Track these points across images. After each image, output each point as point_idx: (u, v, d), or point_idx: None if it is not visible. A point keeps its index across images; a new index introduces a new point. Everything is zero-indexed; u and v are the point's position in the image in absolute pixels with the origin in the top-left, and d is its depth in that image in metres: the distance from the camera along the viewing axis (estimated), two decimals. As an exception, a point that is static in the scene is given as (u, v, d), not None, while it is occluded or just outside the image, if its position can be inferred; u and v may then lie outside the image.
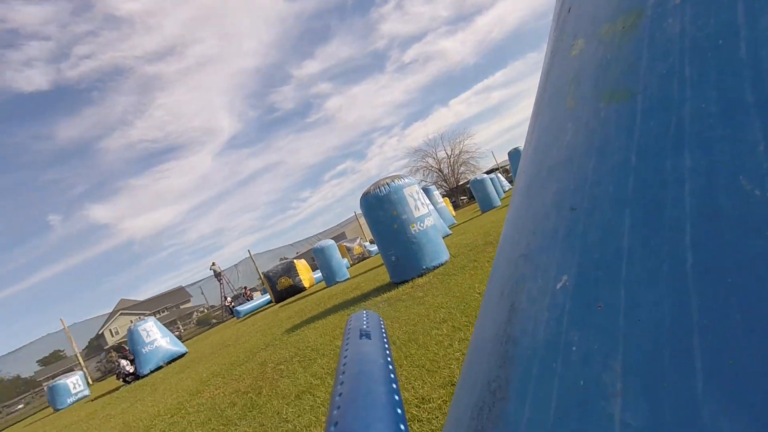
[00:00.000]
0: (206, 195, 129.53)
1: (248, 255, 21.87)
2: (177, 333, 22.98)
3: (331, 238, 11.43)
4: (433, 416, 1.60)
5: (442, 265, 5.18)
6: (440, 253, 5.28)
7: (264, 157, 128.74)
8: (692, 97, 0.25)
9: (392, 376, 0.60)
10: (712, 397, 0.21)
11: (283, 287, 13.88)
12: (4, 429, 14.98)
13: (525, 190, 0.45)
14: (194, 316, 31.92)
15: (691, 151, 0.24)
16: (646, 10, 0.32)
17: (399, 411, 0.51)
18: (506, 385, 0.36)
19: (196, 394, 4.16)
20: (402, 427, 0.48)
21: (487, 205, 13.98)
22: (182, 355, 10.25)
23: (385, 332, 0.80)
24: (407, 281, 5.08)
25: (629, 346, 0.25)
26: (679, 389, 0.22)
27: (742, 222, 0.21)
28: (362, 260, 17.95)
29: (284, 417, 2.25)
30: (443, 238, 7.35)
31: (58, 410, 12.21)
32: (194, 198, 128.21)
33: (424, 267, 5.11)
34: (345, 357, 0.66)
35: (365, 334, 0.74)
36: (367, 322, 0.81)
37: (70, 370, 20.73)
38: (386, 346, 0.74)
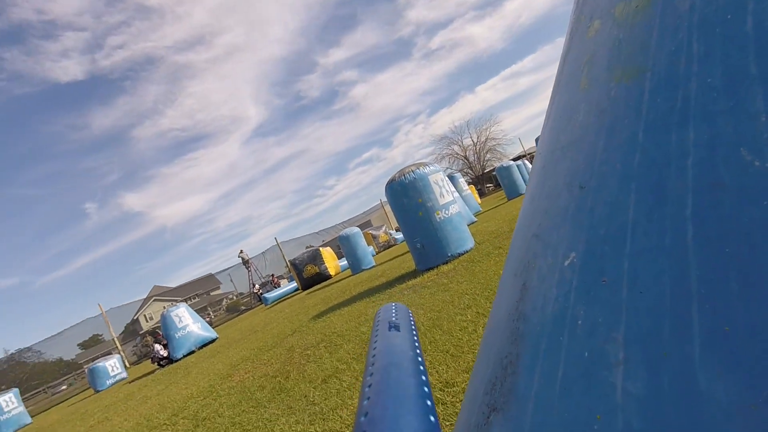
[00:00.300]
0: (234, 183, 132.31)
1: (275, 243, 22.30)
2: (208, 319, 23.76)
3: (357, 226, 11.52)
4: (457, 399, 1.62)
5: (467, 252, 5.17)
6: (465, 240, 5.26)
7: (290, 145, 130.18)
8: (698, 73, 0.25)
9: (422, 368, 0.60)
10: (709, 364, 0.21)
11: (309, 275, 14.12)
12: (50, 408, 15.93)
13: (540, 171, 0.46)
14: (224, 302, 32.93)
15: (695, 125, 0.24)
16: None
17: (429, 403, 0.51)
18: (517, 360, 0.38)
19: (226, 377, 4.32)
20: (432, 418, 0.49)
21: (513, 193, 13.77)
22: (213, 340, 10.60)
23: (414, 324, 0.80)
24: (432, 268, 5.09)
25: (631, 317, 0.26)
26: (677, 357, 0.23)
27: (740, 192, 0.21)
28: (388, 248, 18.03)
29: (311, 400, 2.32)
30: (468, 225, 7.31)
31: (98, 391, 12.88)
32: (222, 186, 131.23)
33: (449, 254, 5.10)
34: (374, 349, 0.67)
35: (394, 326, 0.75)
36: (396, 315, 0.81)
37: (108, 353, 21.76)
38: (415, 338, 0.75)
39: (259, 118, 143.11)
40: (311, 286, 13.85)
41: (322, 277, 14.10)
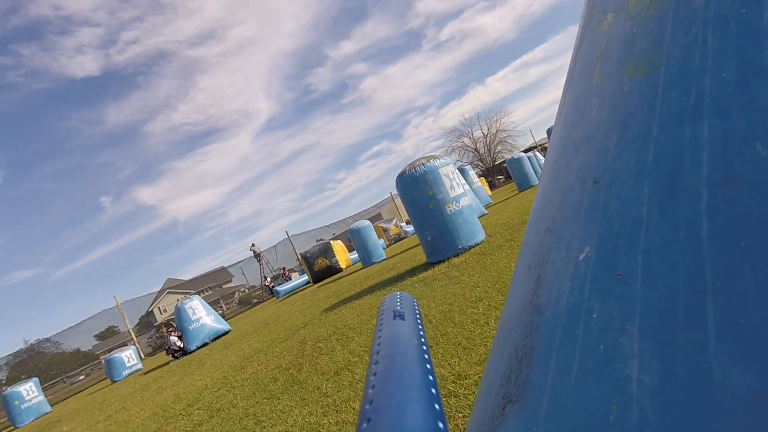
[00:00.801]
0: (245, 177, 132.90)
1: (286, 236, 22.45)
2: (220, 312, 24.06)
3: (367, 219, 11.55)
4: (470, 392, 1.63)
5: (478, 244, 5.16)
6: (476, 232, 5.25)
7: (300, 139, 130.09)
8: (713, 67, 0.26)
9: (426, 356, 0.61)
10: (723, 356, 0.22)
11: (320, 268, 14.21)
12: (69, 397, 16.32)
13: (553, 165, 0.46)
14: (236, 295, 33.27)
15: (709, 120, 0.25)
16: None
17: (433, 390, 0.52)
18: (532, 352, 0.38)
19: (240, 369, 4.38)
20: (436, 406, 0.49)
21: (524, 185, 13.66)
22: (226, 332, 10.74)
23: (419, 313, 0.81)
24: (443, 261, 5.09)
25: (646, 310, 0.26)
26: (691, 348, 0.23)
27: (755, 186, 0.21)
28: (398, 241, 18.06)
29: (324, 392, 2.35)
30: (479, 218, 7.28)
31: (114, 382, 13.15)
32: (234, 180, 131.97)
33: (460, 247, 5.10)
34: (379, 338, 0.68)
35: (399, 315, 0.75)
36: (401, 303, 0.82)
37: (124, 344, 22.17)
38: (420, 326, 0.75)
39: (270, 112, 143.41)
40: (322, 279, 13.93)
41: (333, 270, 14.18)
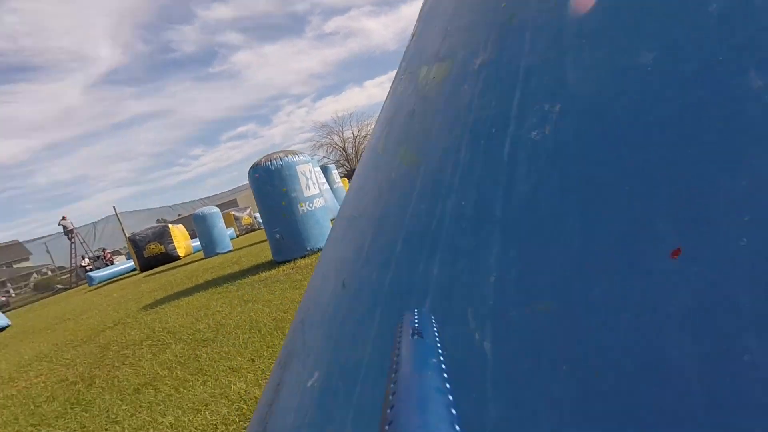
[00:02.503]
0: (68, 133, 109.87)
1: (113, 212, 19.41)
2: (3, 298, 19.38)
3: (222, 204, 10.70)
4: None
5: (324, 249, 5.17)
6: (327, 235, 5.25)
7: (151, 102, 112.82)
8: (458, 190, 0.22)
9: (445, 375, 0.58)
10: None
11: (151, 254, 12.64)
12: None
13: (333, 240, 0.41)
14: (32, 278, 27.06)
15: (441, 256, 0.21)
16: (453, 67, 0.29)
17: (453, 411, 0.47)
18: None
19: (7, 382, 3.50)
20: (457, 427, 0.45)
21: (379, 192, 14.33)
22: (2, 329, 8.39)
23: (437, 331, 0.81)
24: (289, 261, 4.97)
25: None
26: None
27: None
28: (251, 231, 17.28)
29: (113, 416, 2.00)
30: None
31: None
32: (51, 134, 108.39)
33: (309, 248, 5.04)
34: (398, 356, 0.64)
35: (417, 333, 0.74)
36: (419, 321, 0.81)
37: None
38: (438, 345, 0.74)
39: (114, 62, 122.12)
40: (153, 267, 12.43)
41: (169, 257, 12.77)
